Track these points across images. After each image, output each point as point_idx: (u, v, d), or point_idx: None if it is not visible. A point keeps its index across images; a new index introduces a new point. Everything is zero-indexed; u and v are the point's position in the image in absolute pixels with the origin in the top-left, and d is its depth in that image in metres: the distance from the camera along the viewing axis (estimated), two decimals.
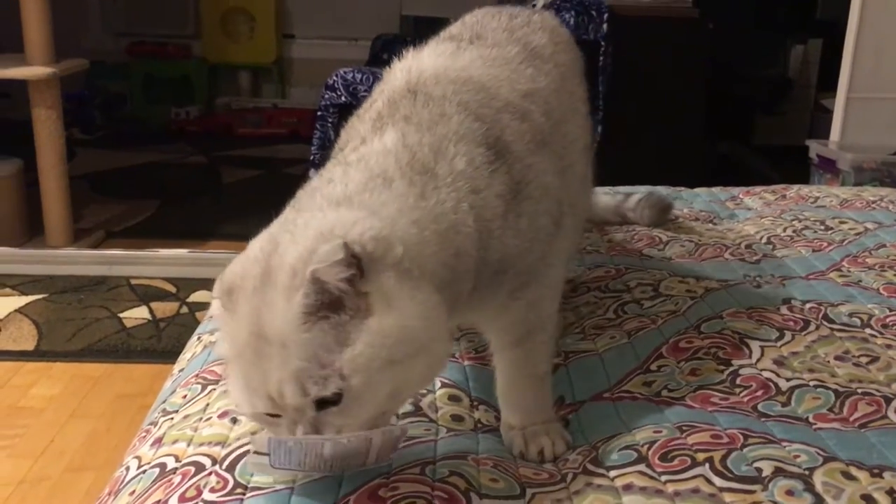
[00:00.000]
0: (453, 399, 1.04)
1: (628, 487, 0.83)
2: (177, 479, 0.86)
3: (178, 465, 0.89)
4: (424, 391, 1.06)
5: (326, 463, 0.78)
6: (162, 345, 2.44)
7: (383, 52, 4.64)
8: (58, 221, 3.07)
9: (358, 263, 0.74)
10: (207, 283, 3.02)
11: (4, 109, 4.41)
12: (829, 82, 3.86)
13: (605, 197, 1.72)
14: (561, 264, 1.00)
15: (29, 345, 2.44)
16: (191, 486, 0.84)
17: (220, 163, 4.48)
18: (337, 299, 0.73)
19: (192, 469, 0.87)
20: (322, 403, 0.74)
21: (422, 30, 5.43)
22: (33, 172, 3.07)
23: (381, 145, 0.86)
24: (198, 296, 2.75)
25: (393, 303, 0.75)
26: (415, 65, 0.98)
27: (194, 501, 0.81)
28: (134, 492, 0.87)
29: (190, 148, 4.70)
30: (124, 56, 5.17)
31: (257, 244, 0.80)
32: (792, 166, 3.47)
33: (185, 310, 2.68)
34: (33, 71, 2.91)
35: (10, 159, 3.14)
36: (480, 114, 0.91)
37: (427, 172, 0.84)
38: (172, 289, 2.83)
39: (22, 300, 2.73)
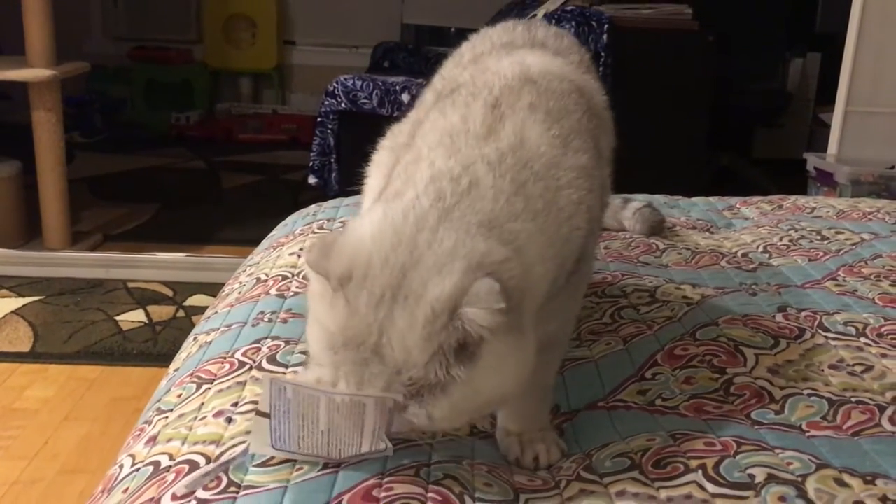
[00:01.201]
0: None
1: (621, 494, 0.84)
2: (170, 476, 0.86)
3: (171, 463, 0.89)
4: None
5: (322, 435, 0.79)
6: (158, 348, 2.44)
7: (384, 60, 4.66)
8: (56, 224, 3.08)
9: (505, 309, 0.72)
10: (205, 287, 3.04)
11: (5, 112, 4.41)
12: (827, 96, 3.88)
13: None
14: (581, 290, 1.00)
15: (25, 346, 2.44)
16: (184, 484, 0.84)
17: (219, 168, 4.49)
18: (464, 342, 0.72)
19: (186, 467, 0.87)
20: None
21: (422, 38, 5.47)
22: (32, 175, 3.08)
23: (509, 140, 0.83)
24: (195, 300, 2.75)
25: (502, 362, 0.75)
26: (523, 61, 0.95)
27: (187, 499, 0.81)
28: (127, 489, 0.87)
29: (190, 153, 4.71)
30: (126, 61, 5.19)
31: (388, 240, 0.75)
32: (790, 179, 3.49)
33: (181, 313, 2.68)
34: (34, 73, 2.92)
35: (10, 161, 3.14)
36: (597, 112, 0.93)
37: (551, 172, 0.82)
38: (169, 292, 2.83)
39: (19, 302, 2.73)
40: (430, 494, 0.83)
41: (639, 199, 1.76)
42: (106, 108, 5.04)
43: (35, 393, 2.23)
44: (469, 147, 0.83)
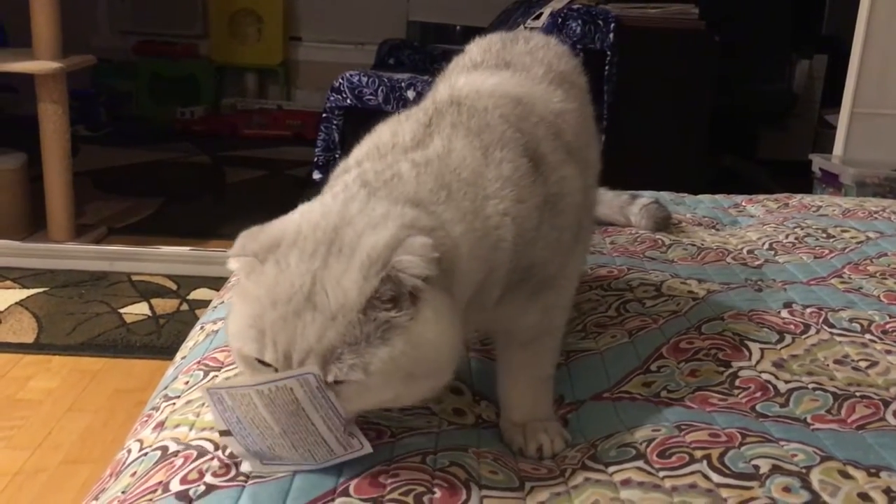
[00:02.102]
0: (456, 392, 1.05)
1: (626, 482, 0.84)
2: (178, 461, 0.86)
3: (179, 447, 0.89)
4: None
5: (283, 437, 0.78)
6: (161, 341, 2.45)
7: (389, 57, 4.66)
8: (60, 216, 3.08)
9: (435, 266, 0.75)
10: (208, 281, 3.04)
11: (11, 104, 4.43)
12: (833, 98, 3.88)
13: (610, 195, 1.74)
14: (575, 279, 1.02)
15: (29, 337, 2.45)
16: (193, 469, 0.84)
17: (223, 163, 4.49)
18: (400, 295, 0.74)
19: (194, 453, 0.87)
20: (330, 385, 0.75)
21: (428, 35, 5.47)
22: (37, 167, 3.08)
23: (436, 150, 0.87)
24: (198, 293, 2.76)
25: (438, 318, 0.76)
26: (454, 83, 1.03)
27: (196, 484, 0.82)
28: (135, 473, 0.87)
29: (194, 147, 4.71)
30: (131, 55, 5.19)
31: (316, 212, 0.79)
32: (795, 181, 3.48)
33: (185, 307, 2.68)
34: (40, 65, 2.92)
35: (15, 153, 3.15)
36: (519, 126, 0.93)
37: (478, 181, 0.85)
38: (173, 286, 2.84)
39: (23, 293, 2.73)
40: (436, 481, 0.84)
41: (646, 196, 1.76)
42: (111, 102, 5.05)
43: (38, 384, 2.23)
44: (395, 154, 0.88)
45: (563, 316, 1.00)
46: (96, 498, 0.88)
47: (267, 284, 0.76)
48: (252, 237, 0.79)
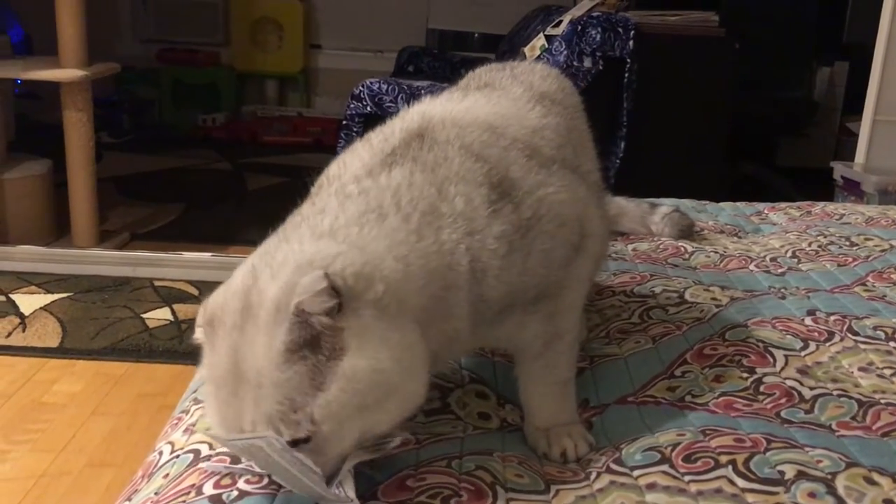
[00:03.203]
0: (481, 396, 1.05)
1: (652, 486, 0.84)
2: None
3: (212, 452, 0.90)
4: (452, 386, 1.07)
5: (298, 479, 0.77)
6: (183, 346, 2.47)
7: (408, 64, 4.68)
8: (84, 222, 3.11)
9: (338, 296, 0.73)
10: None
11: (35, 111, 4.47)
12: (854, 105, 3.86)
13: (630, 205, 1.74)
14: (580, 285, 0.99)
15: (53, 342, 2.47)
16: (226, 473, 0.85)
17: (244, 169, 4.52)
18: (316, 337, 0.73)
19: (228, 458, 0.88)
20: (295, 442, 0.74)
21: (447, 43, 5.49)
22: (61, 173, 3.12)
23: (387, 181, 0.86)
24: None
25: (367, 343, 0.74)
26: (428, 109, 0.99)
27: (229, 489, 0.82)
28: (168, 475, 0.88)
29: (216, 154, 4.75)
30: (154, 62, 5.24)
31: (240, 275, 0.79)
32: (815, 188, 3.47)
33: None
34: (66, 73, 2.95)
35: (40, 160, 3.18)
36: (483, 154, 0.90)
37: (432, 213, 0.84)
38: (195, 291, 2.86)
39: (48, 298, 2.76)
40: (462, 485, 0.84)
41: (666, 204, 1.76)
42: (134, 109, 5.10)
43: (63, 388, 2.25)
44: (330, 189, 0.88)
45: (570, 318, 0.99)
46: (129, 499, 0.89)
47: (208, 366, 0.77)
48: (203, 310, 0.79)
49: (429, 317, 0.82)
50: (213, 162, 4.64)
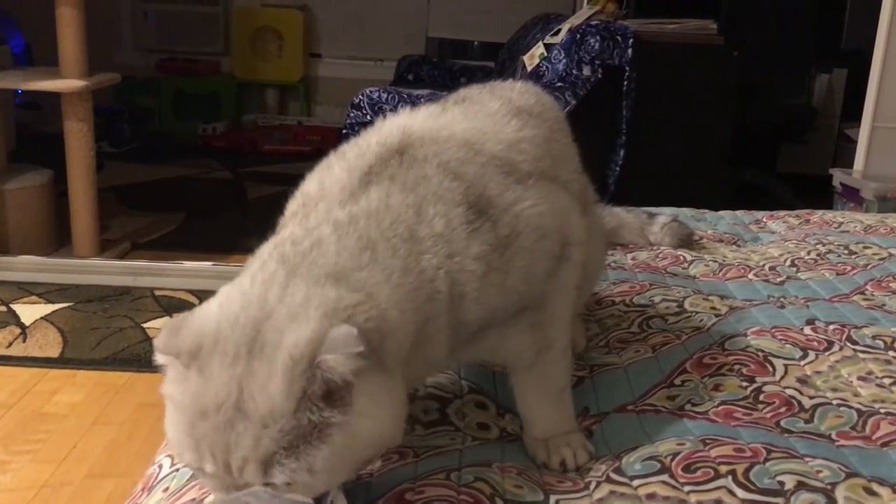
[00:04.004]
0: (480, 406, 1.06)
1: (651, 496, 0.84)
2: None
3: None
4: (451, 396, 1.07)
5: None
6: None
7: (408, 73, 4.70)
8: (85, 232, 3.12)
9: (366, 354, 0.72)
10: None
11: (36, 121, 4.48)
12: (853, 112, 3.87)
13: (629, 216, 1.73)
14: (565, 294, 0.97)
15: (54, 352, 2.47)
16: None
17: (245, 178, 4.52)
18: (331, 391, 0.71)
19: None
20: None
21: (446, 51, 5.49)
22: (62, 183, 3.12)
23: (367, 204, 0.84)
24: None
25: (373, 401, 0.74)
26: (408, 124, 0.96)
27: None
28: (168, 489, 0.89)
29: (216, 163, 4.76)
30: (154, 72, 5.25)
31: (237, 304, 0.76)
32: (815, 195, 3.48)
33: None
34: (67, 84, 2.96)
35: (41, 169, 3.19)
36: (460, 172, 0.89)
37: (411, 238, 0.83)
38: (195, 300, 2.86)
39: (48, 308, 2.77)
40: (461, 497, 0.85)
41: (664, 214, 1.76)
42: (134, 119, 5.10)
43: (64, 398, 2.25)
44: (318, 213, 0.85)
45: (558, 327, 0.97)
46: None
47: (193, 393, 0.73)
48: (174, 332, 0.76)
49: (410, 353, 0.81)
50: (214, 171, 4.65)
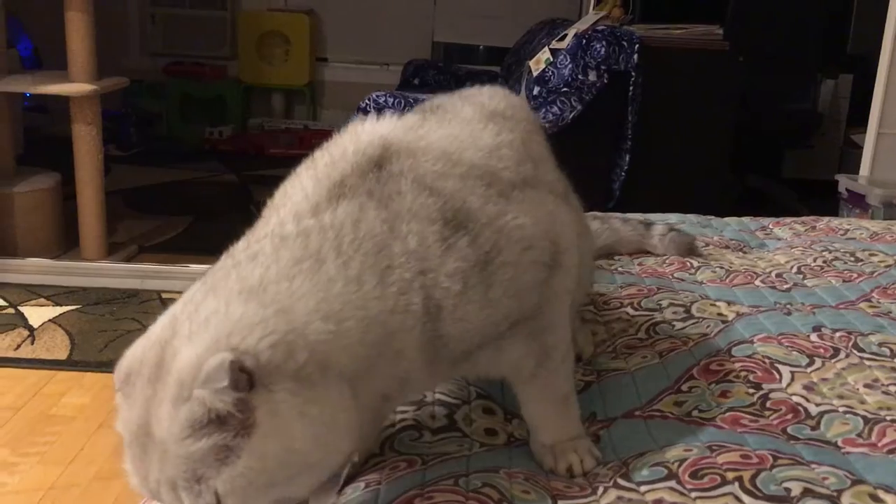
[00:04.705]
0: (487, 412, 1.06)
1: (659, 502, 0.85)
2: None
3: None
4: (459, 402, 1.08)
5: None
6: None
7: (414, 77, 4.71)
8: (93, 234, 3.13)
9: (249, 379, 0.69)
10: None
11: (44, 125, 4.50)
12: (859, 118, 3.87)
13: (626, 228, 1.69)
14: (559, 301, 0.94)
15: (62, 354, 2.49)
16: None
17: (251, 182, 4.54)
18: (222, 416, 0.69)
19: None
20: None
21: (452, 56, 5.50)
22: (69, 186, 3.14)
23: (331, 219, 0.81)
24: None
25: (280, 422, 0.71)
26: (387, 134, 0.91)
27: None
28: None
29: (222, 167, 4.77)
30: (161, 76, 5.27)
31: (159, 325, 0.76)
32: (820, 201, 3.47)
33: None
34: (76, 87, 2.98)
35: (49, 173, 3.21)
36: (437, 187, 0.85)
37: (379, 252, 0.80)
38: None
39: (56, 310, 2.78)
40: (469, 502, 0.85)
41: (661, 224, 1.72)
42: (141, 122, 5.12)
43: (71, 400, 2.27)
44: (269, 225, 0.82)
45: (556, 334, 0.95)
46: None
47: (122, 420, 0.74)
48: (119, 367, 0.77)
49: (369, 365, 0.78)
50: (220, 174, 4.66)
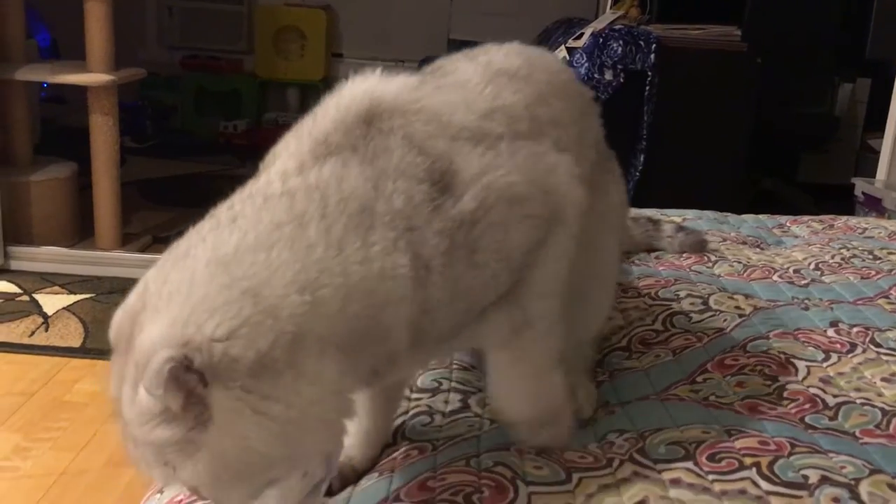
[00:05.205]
0: None
1: (676, 482, 0.85)
2: None
3: None
4: (473, 390, 1.08)
5: None
6: None
7: None
8: (108, 225, 3.14)
9: (201, 375, 0.66)
10: None
11: (60, 115, 4.52)
12: (876, 122, 3.85)
13: (635, 227, 1.66)
14: (553, 263, 0.87)
15: (75, 342, 2.50)
16: None
17: None
18: (175, 411, 0.66)
19: None
20: None
21: None
22: (86, 177, 3.15)
23: (317, 177, 0.77)
24: None
25: (234, 420, 0.67)
26: (378, 90, 0.86)
27: None
28: None
29: (236, 160, 4.78)
30: (178, 69, 5.29)
31: (136, 290, 0.73)
32: (836, 205, 3.45)
33: None
34: (94, 78, 2.99)
35: (66, 162, 3.22)
36: (426, 147, 0.81)
37: (362, 212, 0.75)
38: None
39: (70, 299, 2.79)
40: (483, 482, 0.85)
41: (668, 222, 1.69)
42: (157, 115, 5.14)
43: (84, 387, 2.27)
44: (253, 187, 0.79)
45: (542, 303, 0.88)
46: (160, 491, 0.91)
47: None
48: (110, 325, 0.75)
49: (356, 341, 0.74)
50: (234, 168, 4.67)
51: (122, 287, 2.90)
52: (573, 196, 0.89)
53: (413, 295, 0.76)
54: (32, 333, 2.52)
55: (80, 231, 3.21)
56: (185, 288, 0.69)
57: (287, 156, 0.81)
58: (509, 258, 0.82)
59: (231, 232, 0.73)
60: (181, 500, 0.88)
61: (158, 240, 3.40)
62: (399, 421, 1.02)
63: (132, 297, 0.72)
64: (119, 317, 0.73)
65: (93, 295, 2.83)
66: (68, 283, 2.92)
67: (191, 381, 0.65)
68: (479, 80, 0.92)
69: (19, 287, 2.86)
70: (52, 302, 2.75)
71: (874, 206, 3.18)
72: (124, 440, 0.71)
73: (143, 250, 3.22)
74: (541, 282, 0.86)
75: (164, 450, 0.68)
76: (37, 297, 2.79)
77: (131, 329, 0.70)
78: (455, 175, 0.81)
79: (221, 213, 0.77)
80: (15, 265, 3.02)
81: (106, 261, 3.06)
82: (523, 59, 0.99)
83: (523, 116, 0.91)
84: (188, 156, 4.74)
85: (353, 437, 0.94)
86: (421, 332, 0.78)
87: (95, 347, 2.47)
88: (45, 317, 2.64)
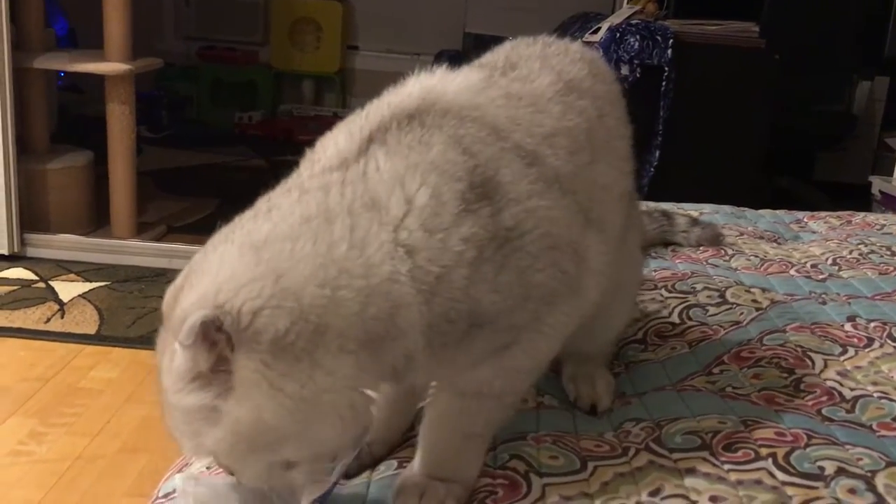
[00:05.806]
0: None
1: (691, 471, 0.85)
2: None
3: None
4: None
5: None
6: None
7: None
8: (123, 213, 3.16)
9: (229, 339, 0.68)
10: None
11: (76, 104, 4.54)
12: (894, 121, 3.83)
13: (648, 221, 1.62)
14: (550, 335, 0.83)
15: (91, 329, 2.51)
16: None
17: (279, 167, 4.53)
18: (206, 373, 0.69)
19: None
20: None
21: (484, 47, 5.49)
22: (102, 166, 3.17)
23: (355, 173, 0.76)
24: None
25: (251, 391, 0.69)
26: (436, 87, 0.84)
27: None
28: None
29: (251, 151, 4.79)
30: (194, 60, 5.31)
31: (189, 265, 0.76)
32: (852, 203, 3.44)
33: None
34: (111, 67, 3.00)
35: (83, 151, 3.24)
36: (473, 149, 0.77)
37: (375, 207, 0.74)
38: None
39: (86, 286, 2.81)
40: (497, 480, 0.85)
41: (682, 218, 1.67)
42: (173, 105, 5.16)
43: (99, 374, 2.29)
44: (296, 181, 0.80)
45: (523, 381, 0.86)
46: (181, 470, 0.91)
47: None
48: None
49: (374, 340, 0.72)
50: (249, 159, 4.68)
51: (136, 275, 2.93)
52: (597, 265, 0.86)
53: (419, 306, 0.73)
54: (48, 320, 2.54)
55: (96, 219, 3.23)
56: (216, 266, 0.73)
57: (335, 151, 0.80)
58: (527, 296, 0.78)
59: (265, 221, 0.75)
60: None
61: (173, 229, 3.41)
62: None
63: (179, 277, 0.76)
64: (167, 294, 0.76)
65: (108, 283, 2.85)
66: (84, 270, 2.94)
67: (220, 340, 0.68)
68: (551, 95, 0.88)
69: (35, 274, 2.88)
70: (67, 289, 2.77)
71: (891, 204, 3.16)
72: (163, 411, 0.74)
73: (157, 239, 3.23)
74: (535, 357, 0.84)
75: (194, 416, 0.70)
76: (53, 284, 2.81)
77: (174, 304, 0.73)
78: (499, 187, 0.77)
79: (263, 202, 0.79)
80: (31, 252, 3.05)
81: (121, 249, 3.08)
82: (589, 68, 0.96)
83: (583, 143, 0.87)
84: (203, 146, 4.75)
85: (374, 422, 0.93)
86: (438, 337, 0.75)
87: (110, 335, 2.48)
88: (61, 304, 2.66)
